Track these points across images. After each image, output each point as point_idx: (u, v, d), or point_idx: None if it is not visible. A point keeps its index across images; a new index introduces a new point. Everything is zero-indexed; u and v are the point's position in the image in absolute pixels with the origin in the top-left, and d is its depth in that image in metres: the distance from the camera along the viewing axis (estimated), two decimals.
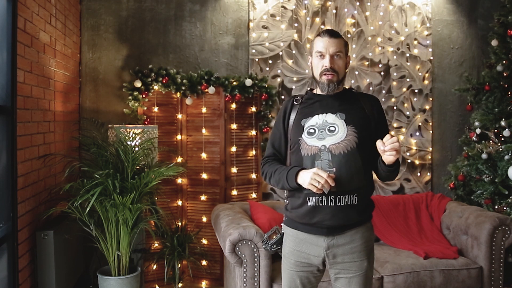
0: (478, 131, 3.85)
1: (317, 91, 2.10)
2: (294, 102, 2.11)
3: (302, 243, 2.03)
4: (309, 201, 1.95)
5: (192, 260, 3.65)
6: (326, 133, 1.96)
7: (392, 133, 1.88)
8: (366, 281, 2.01)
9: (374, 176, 2.10)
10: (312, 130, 1.99)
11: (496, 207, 3.66)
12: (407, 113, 4.23)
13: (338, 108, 2.02)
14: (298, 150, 2.01)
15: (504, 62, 3.82)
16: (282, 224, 2.15)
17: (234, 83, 3.82)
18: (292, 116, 2.08)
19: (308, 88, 2.21)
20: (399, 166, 1.99)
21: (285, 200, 2.13)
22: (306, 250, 2.02)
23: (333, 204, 1.93)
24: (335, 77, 2.00)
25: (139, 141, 3.19)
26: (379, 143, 1.82)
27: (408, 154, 4.23)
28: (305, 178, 1.89)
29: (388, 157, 1.83)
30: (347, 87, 2.17)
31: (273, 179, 2.05)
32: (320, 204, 1.94)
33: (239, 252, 2.85)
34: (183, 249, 3.54)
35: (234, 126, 3.86)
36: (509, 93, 3.83)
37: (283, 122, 2.11)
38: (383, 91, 4.19)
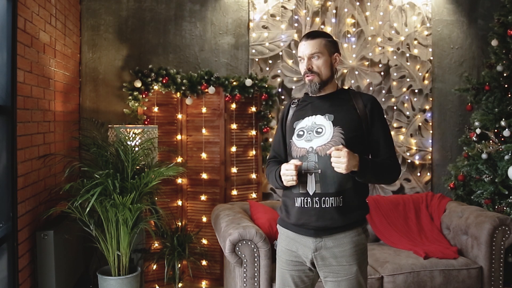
0: (478, 131, 3.85)
1: None
2: (291, 105, 2.15)
3: (292, 243, 2.04)
4: (296, 202, 1.98)
5: (192, 260, 3.65)
6: (314, 134, 1.97)
7: (340, 146, 1.85)
8: (356, 285, 1.97)
9: None
10: (301, 132, 2.01)
11: (496, 207, 3.66)
12: (407, 113, 4.23)
13: (328, 109, 2.01)
14: (290, 152, 2.05)
15: (504, 62, 3.82)
16: (277, 223, 2.16)
17: (234, 83, 3.82)
18: (288, 118, 2.12)
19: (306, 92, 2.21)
20: (371, 175, 1.91)
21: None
22: (296, 249, 2.03)
23: (318, 206, 1.94)
24: (316, 78, 2.00)
25: (139, 141, 3.19)
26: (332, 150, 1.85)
27: (408, 154, 4.24)
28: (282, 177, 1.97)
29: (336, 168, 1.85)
30: (346, 87, 2.17)
31: (270, 181, 2.13)
32: (305, 206, 1.96)
33: (239, 252, 2.85)
34: (183, 249, 3.54)
35: (234, 126, 3.86)
36: (509, 93, 3.83)
37: (282, 125, 2.16)
38: (383, 91, 4.19)
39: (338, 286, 1.98)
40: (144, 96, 3.74)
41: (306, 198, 1.95)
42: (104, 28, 3.82)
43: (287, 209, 2.04)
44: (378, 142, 2.02)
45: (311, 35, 2.02)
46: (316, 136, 1.97)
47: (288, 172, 1.92)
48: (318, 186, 1.92)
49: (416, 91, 4.24)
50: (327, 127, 1.97)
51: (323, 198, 1.93)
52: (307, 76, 2.01)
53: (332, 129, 1.96)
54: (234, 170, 3.87)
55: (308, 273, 2.05)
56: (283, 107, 4.02)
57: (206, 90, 3.78)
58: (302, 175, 1.95)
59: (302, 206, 1.96)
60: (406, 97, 4.21)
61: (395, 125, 4.21)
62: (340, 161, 1.81)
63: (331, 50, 2.02)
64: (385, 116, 2.12)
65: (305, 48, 2.00)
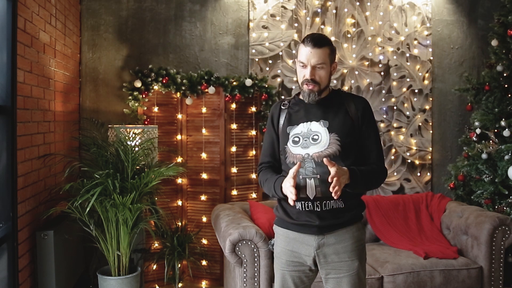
0: (478, 131, 3.85)
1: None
2: (282, 107, 2.12)
3: (293, 242, 2.03)
4: (296, 206, 1.98)
5: (192, 260, 3.65)
6: (310, 141, 1.97)
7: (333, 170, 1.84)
8: (357, 281, 2.00)
9: None
10: (296, 139, 2.00)
11: (496, 207, 3.66)
12: (407, 113, 4.23)
13: (322, 116, 2.01)
14: (285, 157, 2.03)
15: (504, 62, 3.82)
16: (274, 224, 2.15)
17: (234, 83, 3.82)
18: (281, 121, 2.09)
19: (296, 93, 2.17)
20: (361, 185, 1.95)
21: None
22: (297, 249, 2.03)
23: (319, 209, 1.95)
24: (316, 88, 1.98)
25: (139, 141, 3.19)
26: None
27: (408, 154, 4.23)
28: (285, 190, 1.92)
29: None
30: (345, 87, 2.17)
31: (265, 189, 2.08)
32: (306, 209, 1.96)
33: (239, 252, 2.85)
34: (183, 249, 3.54)
35: (234, 126, 3.86)
36: (509, 93, 3.83)
37: (273, 128, 2.12)
38: (383, 91, 4.19)
39: (339, 282, 1.99)
40: (144, 96, 3.74)
41: (306, 202, 1.95)
42: (104, 28, 3.82)
43: (285, 210, 2.04)
44: (367, 145, 2.04)
45: (319, 43, 1.95)
46: (313, 143, 1.97)
47: (290, 195, 1.87)
48: (319, 191, 1.93)
49: (416, 91, 4.24)
50: (322, 133, 1.97)
51: (324, 201, 1.95)
52: (308, 85, 1.98)
53: (328, 136, 1.96)
54: (234, 170, 3.87)
55: (308, 273, 2.06)
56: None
57: (206, 90, 3.78)
58: (300, 180, 1.94)
59: (303, 209, 1.97)
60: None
61: (395, 125, 4.21)
62: (336, 189, 1.81)
63: (332, 59, 2.02)
64: (375, 119, 2.12)
65: (312, 56, 1.95)
